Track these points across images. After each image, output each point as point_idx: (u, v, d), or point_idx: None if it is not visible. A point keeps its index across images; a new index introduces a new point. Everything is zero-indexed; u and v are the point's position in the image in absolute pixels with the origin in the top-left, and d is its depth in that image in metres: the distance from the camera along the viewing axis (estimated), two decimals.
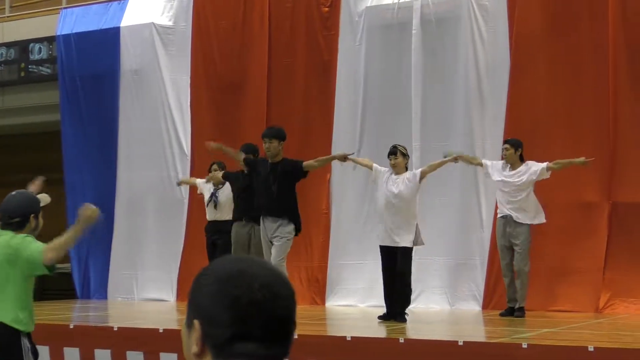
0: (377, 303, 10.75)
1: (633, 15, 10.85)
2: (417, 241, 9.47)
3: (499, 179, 10.08)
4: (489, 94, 11.57)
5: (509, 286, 10.05)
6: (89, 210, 5.04)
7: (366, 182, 11.83)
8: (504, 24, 11.50)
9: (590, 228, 10.83)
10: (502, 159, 10.16)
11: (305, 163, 9.32)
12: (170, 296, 13.28)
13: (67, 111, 14.61)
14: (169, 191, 13.58)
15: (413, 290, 9.87)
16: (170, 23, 13.87)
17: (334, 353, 7.76)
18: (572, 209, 10.95)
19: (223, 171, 10.95)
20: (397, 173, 9.61)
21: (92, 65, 14.28)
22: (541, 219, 9.99)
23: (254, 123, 12.65)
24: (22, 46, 15.76)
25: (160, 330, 8.66)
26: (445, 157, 10.08)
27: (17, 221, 5.15)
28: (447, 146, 11.52)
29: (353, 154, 9.99)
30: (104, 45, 14.25)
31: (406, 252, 9.43)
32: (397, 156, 9.64)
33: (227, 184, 11.04)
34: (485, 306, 11.14)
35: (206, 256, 11.09)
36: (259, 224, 9.61)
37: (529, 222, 9.94)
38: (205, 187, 11.49)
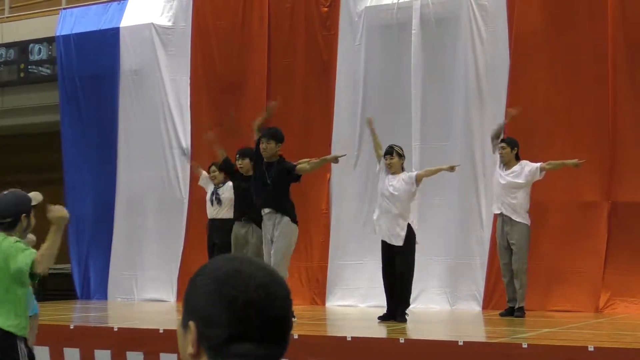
0: (377, 303, 10.76)
1: (632, 15, 10.85)
2: (409, 241, 9.47)
3: (496, 177, 10.15)
4: (489, 94, 11.57)
5: (508, 286, 10.06)
6: (57, 211, 4.91)
7: (366, 182, 11.85)
8: (504, 23, 11.50)
9: (590, 228, 10.83)
10: (499, 157, 10.19)
11: (298, 167, 9.29)
12: (171, 296, 13.27)
13: (67, 111, 14.61)
14: (168, 191, 13.59)
15: (413, 290, 9.86)
16: (170, 23, 13.87)
17: (334, 353, 7.76)
18: (571, 208, 10.95)
19: (224, 159, 10.85)
20: (393, 173, 9.65)
21: (92, 66, 14.28)
22: (526, 220, 10.02)
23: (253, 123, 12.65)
24: (22, 47, 15.76)
25: (161, 331, 8.66)
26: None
27: (8, 221, 5.09)
28: (446, 146, 11.55)
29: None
30: (103, 46, 14.25)
31: (404, 253, 9.44)
32: (393, 156, 9.67)
33: (227, 183, 11.05)
34: (485, 306, 11.14)
35: (207, 256, 11.09)
36: (258, 225, 9.62)
37: (526, 222, 9.97)
38: (208, 183, 11.48)
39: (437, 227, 11.46)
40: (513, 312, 9.93)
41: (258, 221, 9.64)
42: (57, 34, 14.76)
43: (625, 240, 10.67)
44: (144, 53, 13.94)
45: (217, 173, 11.20)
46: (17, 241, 5.00)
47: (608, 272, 10.64)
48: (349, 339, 7.84)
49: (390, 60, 12.17)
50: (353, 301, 11.96)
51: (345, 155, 10.00)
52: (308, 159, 9.51)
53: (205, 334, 1.58)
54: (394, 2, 12.18)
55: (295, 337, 7.73)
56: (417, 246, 9.64)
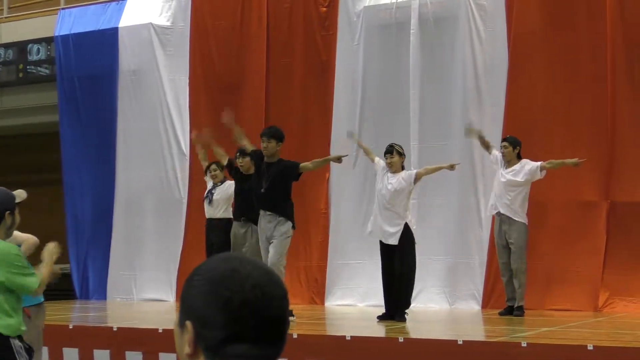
0: (376, 302, 10.76)
1: (631, 15, 10.85)
2: (407, 241, 9.48)
3: (497, 175, 10.16)
4: (487, 94, 11.57)
5: (507, 285, 10.07)
6: (51, 246, 5.17)
7: (365, 182, 11.85)
8: (502, 23, 11.51)
9: (589, 227, 10.84)
10: (501, 156, 10.21)
11: (301, 165, 9.34)
12: (169, 296, 13.27)
13: (66, 112, 14.60)
14: (167, 191, 13.59)
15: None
16: (169, 23, 13.87)
17: (334, 353, 7.76)
18: (570, 208, 10.96)
19: (227, 162, 10.82)
20: (394, 172, 9.66)
21: (91, 66, 14.28)
22: (524, 219, 10.03)
23: (252, 123, 12.64)
24: (21, 47, 15.75)
25: (160, 331, 8.66)
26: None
27: None
28: (445, 145, 11.55)
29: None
30: (102, 46, 14.25)
31: (403, 253, 9.44)
32: (394, 155, 9.68)
33: (226, 182, 11.05)
34: (484, 305, 11.15)
35: (205, 256, 11.09)
36: (256, 225, 9.63)
37: (523, 221, 9.97)
38: (208, 177, 11.43)
39: (436, 226, 11.46)
40: (512, 311, 9.94)
41: (257, 221, 9.63)
42: (56, 34, 14.76)
43: (624, 240, 10.68)
44: (142, 53, 13.94)
45: (217, 172, 11.18)
46: (17, 254, 4.98)
47: (607, 272, 10.65)
48: (348, 338, 7.84)
49: (389, 60, 12.17)
50: (352, 300, 11.97)
51: (347, 155, 10.00)
52: (310, 162, 9.54)
53: (201, 334, 1.57)
54: (393, 2, 12.18)
55: (295, 336, 7.73)
56: (416, 246, 9.63)
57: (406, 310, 9.53)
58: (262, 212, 9.37)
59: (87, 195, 14.24)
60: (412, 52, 11.91)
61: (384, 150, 9.81)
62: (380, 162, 9.86)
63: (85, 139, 14.33)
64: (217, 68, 13.47)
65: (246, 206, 9.99)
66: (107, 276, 13.95)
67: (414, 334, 8.62)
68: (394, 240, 9.45)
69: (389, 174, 9.68)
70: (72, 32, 14.59)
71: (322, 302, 12.17)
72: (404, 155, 9.90)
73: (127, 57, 14.10)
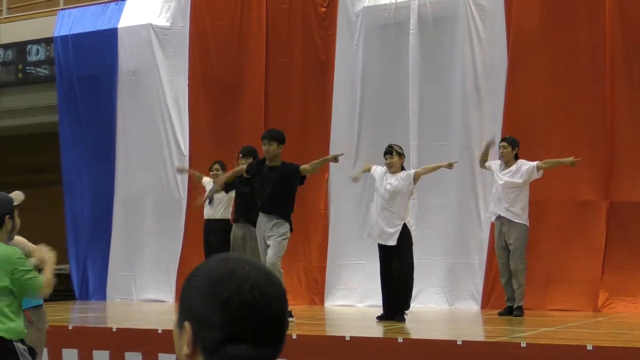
0: (375, 303, 10.74)
1: (630, 14, 10.85)
2: (405, 241, 9.48)
3: (495, 177, 10.16)
4: (487, 93, 11.58)
5: (506, 286, 10.07)
6: (47, 252, 5.13)
7: (364, 182, 11.81)
8: (502, 23, 11.51)
9: (589, 227, 10.83)
10: (500, 157, 10.20)
11: (301, 167, 9.32)
12: (169, 297, 13.27)
13: (65, 112, 14.60)
14: (167, 192, 13.58)
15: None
16: (168, 24, 13.87)
17: (333, 353, 7.76)
18: (570, 208, 10.95)
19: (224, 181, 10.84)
20: (393, 172, 9.66)
21: (90, 66, 14.28)
22: (525, 221, 10.01)
23: (251, 123, 12.67)
24: (20, 47, 15.76)
25: (159, 331, 8.65)
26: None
27: None
28: (444, 145, 11.54)
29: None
30: (101, 46, 14.25)
31: (401, 253, 9.44)
32: (393, 155, 9.68)
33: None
34: (483, 305, 11.14)
35: (204, 256, 11.09)
36: (255, 226, 9.62)
37: (524, 223, 9.97)
38: (208, 186, 11.45)
39: (435, 227, 11.46)
40: (512, 311, 9.94)
41: (255, 223, 9.62)
42: (55, 34, 14.76)
43: (623, 240, 10.68)
44: (141, 54, 13.94)
45: (220, 172, 11.16)
46: (20, 258, 4.98)
47: (606, 272, 10.64)
48: (348, 338, 7.84)
49: (388, 60, 12.17)
50: (351, 301, 11.96)
51: (342, 154, 9.98)
52: (308, 164, 9.53)
53: (200, 335, 1.57)
54: (392, 2, 12.18)
55: (294, 337, 7.74)
56: (415, 246, 9.64)
57: (405, 311, 9.53)
58: (261, 213, 9.36)
59: (87, 195, 14.24)
60: (412, 52, 11.91)
61: (384, 150, 9.82)
62: (377, 168, 9.84)
63: (85, 139, 14.33)
64: (216, 68, 13.47)
65: (246, 208, 10.00)
66: (106, 277, 13.95)
67: (413, 334, 8.62)
68: (392, 242, 9.44)
69: (388, 175, 9.69)
70: (72, 32, 14.59)
71: (322, 303, 12.17)
72: (404, 155, 9.91)
73: (127, 58, 14.10)
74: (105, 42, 14.23)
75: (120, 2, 14.49)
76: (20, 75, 15.83)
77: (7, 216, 5.05)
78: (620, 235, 10.71)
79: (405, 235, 9.48)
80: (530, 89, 11.28)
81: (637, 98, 10.81)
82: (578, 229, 10.86)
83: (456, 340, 7.36)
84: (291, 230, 9.32)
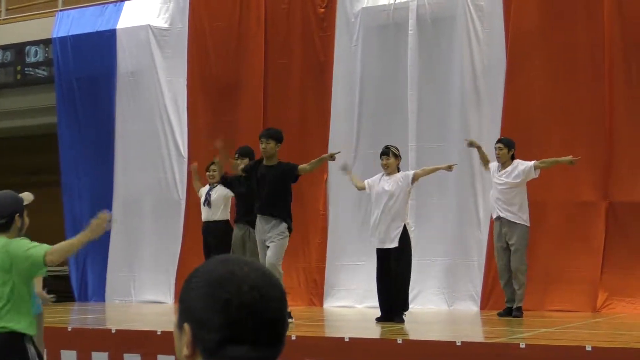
0: (374, 304, 10.72)
1: (629, 14, 10.86)
2: (403, 242, 9.47)
3: (493, 179, 10.17)
4: (485, 94, 11.58)
5: (506, 287, 10.06)
6: (100, 219, 5.10)
7: None
8: (500, 23, 11.51)
9: (588, 228, 10.83)
10: (496, 158, 10.21)
11: (299, 167, 9.33)
12: (168, 298, 13.27)
13: (64, 113, 14.60)
14: (166, 193, 13.58)
15: (410, 290, 9.86)
16: (167, 25, 13.87)
17: (332, 354, 7.76)
18: (569, 208, 10.95)
19: (222, 175, 10.87)
20: (389, 173, 9.66)
21: (89, 68, 14.28)
22: (526, 221, 10.01)
23: (250, 124, 12.66)
24: (18, 49, 15.74)
25: (158, 333, 8.65)
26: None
27: (2, 222, 5.11)
28: (443, 146, 11.55)
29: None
30: (100, 48, 14.25)
31: (400, 254, 9.44)
32: (389, 157, 9.69)
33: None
34: (483, 306, 11.14)
35: (203, 258, 11.08)
36: (254, 227, 9.62)
37: (525, 223, 9.97)
38: (203, 191, 11.44)
39: (434, 227, 11.46)
40: (511, 312, 9.93)
41: (254, 224, 9.62)
42: (54, 35, 14.76)
43: (622, 240, 10.68)
44: (140, 55, 13.94)
45: (216, 173, 11.15)
46: (21, 239, 5.05)
47: (606, 272, 10.64)
48: (347, 339, 7.84)
49: (387, 61, 12.17)
50: (351, 302, 11.96)
51: (339, 152, 9.96)
52: (307, 163, 9.52)
53: (199, 336, 1.57)
54: (391, 2, 12.19)
55: (293, 338, 7.73)
56: (415, 247, 9.63)
57: (404, 312, 9.53)
58: (259, 216, 9.35)
59: (86, 196, 14.23)
60: (410, 53, 11.91)
61: (380, 152, 9.82)
62: (368, 181, 9.84)
63: (84, 140, 14.33)
64: (215, 69, 13.47)
65: (245, 210, 9.99)
66: (105, 278, 13.94)
67: (412, 335, 8.61)
68: (394, 244, 9.43)
69: (385, 177, 9.69)
70: (70, 33, 14.59)
71: (321, 304, 12.16)
72: (400, 157, 9.91)
73: (125, 59, 14.10)
74: (103, 43, 14.23)
75: (118, 3, 14.49)
76: (18, 77, 15.81)
77: (17, 214, 5.18)
78: (619, 235, 10.71)
79: (404, 236, 9.48)
80: (529, 89, 11.28)
81: (636, 97, 10.81)
82: (577, 229, 10.86)
83: (455, 341, 7.36)
84: (291, 230, 9.31)
